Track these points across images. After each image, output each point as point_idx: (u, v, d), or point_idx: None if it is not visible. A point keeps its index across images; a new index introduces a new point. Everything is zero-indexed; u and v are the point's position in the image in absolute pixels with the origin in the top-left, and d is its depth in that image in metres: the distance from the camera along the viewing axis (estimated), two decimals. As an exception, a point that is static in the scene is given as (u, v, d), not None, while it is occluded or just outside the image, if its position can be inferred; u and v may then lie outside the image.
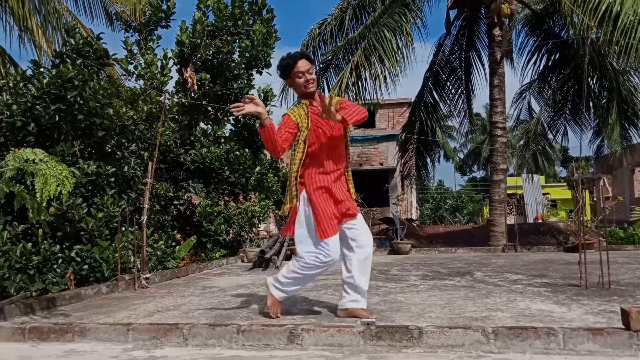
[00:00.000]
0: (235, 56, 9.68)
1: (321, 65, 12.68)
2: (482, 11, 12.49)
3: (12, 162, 3.18)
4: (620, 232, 10.44)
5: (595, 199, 12.34)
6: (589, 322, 3.21)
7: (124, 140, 6.88)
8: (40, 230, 5.09)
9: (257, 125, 3.33)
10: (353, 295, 3.48)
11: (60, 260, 5.27)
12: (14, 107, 5.79)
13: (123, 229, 5.80)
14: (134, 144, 7.03)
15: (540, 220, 20.91)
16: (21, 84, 6.05)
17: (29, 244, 4.95)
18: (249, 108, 3.22)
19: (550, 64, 13.00)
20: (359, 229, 3.51)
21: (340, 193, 3.50)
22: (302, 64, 3.46)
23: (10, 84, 6.03)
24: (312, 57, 3.53)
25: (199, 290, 5.30)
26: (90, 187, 6.10)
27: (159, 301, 4.66)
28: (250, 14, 9.85)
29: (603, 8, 8.75)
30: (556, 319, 3.33)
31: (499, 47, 10.91)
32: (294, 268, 3.44)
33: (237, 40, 9.74)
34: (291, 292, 3.61)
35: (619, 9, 8.66)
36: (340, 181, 3.54)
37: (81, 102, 5.96)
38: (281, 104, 13.70)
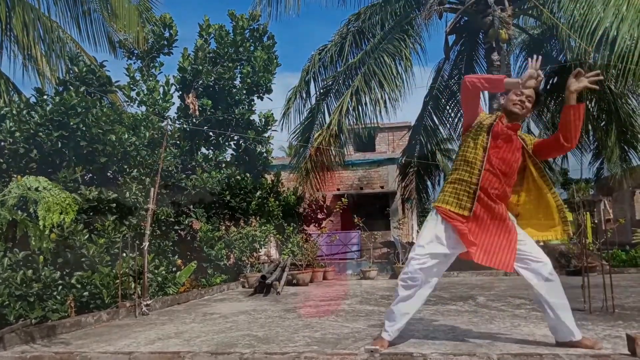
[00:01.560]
0: (237, 82, 9.80)
1: (321, 91, 12.81)
2: (480, 36, 12.67)
3: (15, 190, 3.19)
4: (622, 254, 10.39)
5: (596, 222, 12.31)
6: (594, 348, 3.18)
7: (125, 166, 6.91)
8: (41, 257, 5.07)
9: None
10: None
11: (60, 287, 5.24)
12: (17, 134, 5.83)
13: (124, 255, 5.78)
14: (135, 170, 7.05)
15: (542, 243, 20.77)
16: (24, 112, 6.09)
17: (30, 271, 4.93)
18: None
19: (548, 87, 13.11)
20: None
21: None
22: (529, 91, 3.30)
23: (14, 111, 6.07)
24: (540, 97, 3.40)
25: (200, 317, 5.26)
26: (91, 213, 6.10)
27: (160, 328, 4.62)
28: (251, 40, 10.00)
29: (600, 33, 8.87)
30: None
31: (498, 71, 11.02)
32: None
33: (239, 67, 9.87)
34: None
35: (615, 33, 8.78)
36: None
37: (84, 128, 6.01)
38: (282, 129, 13.82)
